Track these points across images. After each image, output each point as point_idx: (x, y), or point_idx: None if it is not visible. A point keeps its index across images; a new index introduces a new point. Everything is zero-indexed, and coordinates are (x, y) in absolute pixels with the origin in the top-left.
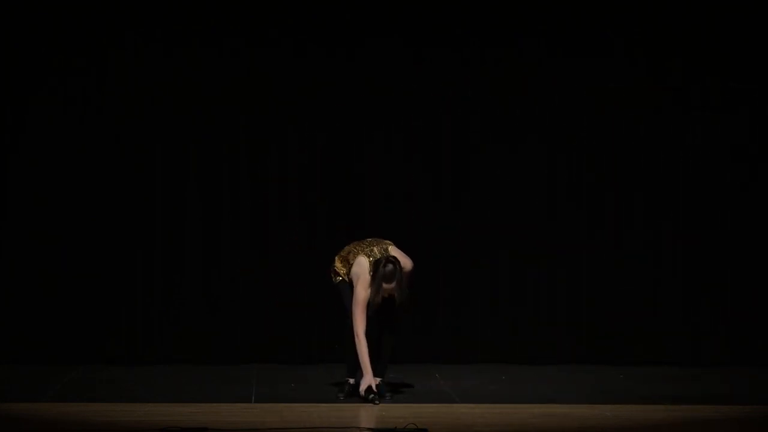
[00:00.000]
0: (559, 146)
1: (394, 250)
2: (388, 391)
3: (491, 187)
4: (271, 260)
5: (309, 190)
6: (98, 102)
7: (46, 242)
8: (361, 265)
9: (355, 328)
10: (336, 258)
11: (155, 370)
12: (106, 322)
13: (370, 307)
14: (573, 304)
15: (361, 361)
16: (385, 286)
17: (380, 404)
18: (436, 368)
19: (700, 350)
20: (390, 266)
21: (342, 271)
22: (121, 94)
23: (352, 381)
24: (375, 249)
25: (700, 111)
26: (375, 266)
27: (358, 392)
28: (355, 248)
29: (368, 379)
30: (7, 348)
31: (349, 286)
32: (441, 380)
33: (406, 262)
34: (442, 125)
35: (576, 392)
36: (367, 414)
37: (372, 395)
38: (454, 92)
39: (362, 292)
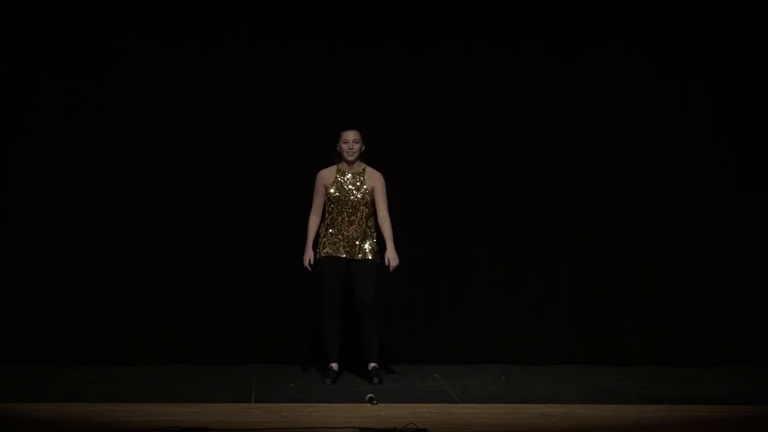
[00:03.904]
0: (560, 145)
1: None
2: (383, 372)
3: (491, 188)
4: (270, 260)
5: (309, 189)
6: (97, 101)
7: (47, 242)
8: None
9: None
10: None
11: (155, 370)
12: (106, 322)
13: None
14: (573, 304)
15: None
16: (345, 135)
17: (380, 404)
18: (436, 368)
19: (700, 350)
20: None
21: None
22: (120, 94)
23: (335, 366)
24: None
25: (702, 108)
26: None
27: (335, 376)
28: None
29: (306, 256)
30: (7, 348)
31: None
32: (441, 380)
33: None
34: (443, 121)
35: (576, 392)
36: (366, 414)
37: (370, 396)
38: (456, 88)
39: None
